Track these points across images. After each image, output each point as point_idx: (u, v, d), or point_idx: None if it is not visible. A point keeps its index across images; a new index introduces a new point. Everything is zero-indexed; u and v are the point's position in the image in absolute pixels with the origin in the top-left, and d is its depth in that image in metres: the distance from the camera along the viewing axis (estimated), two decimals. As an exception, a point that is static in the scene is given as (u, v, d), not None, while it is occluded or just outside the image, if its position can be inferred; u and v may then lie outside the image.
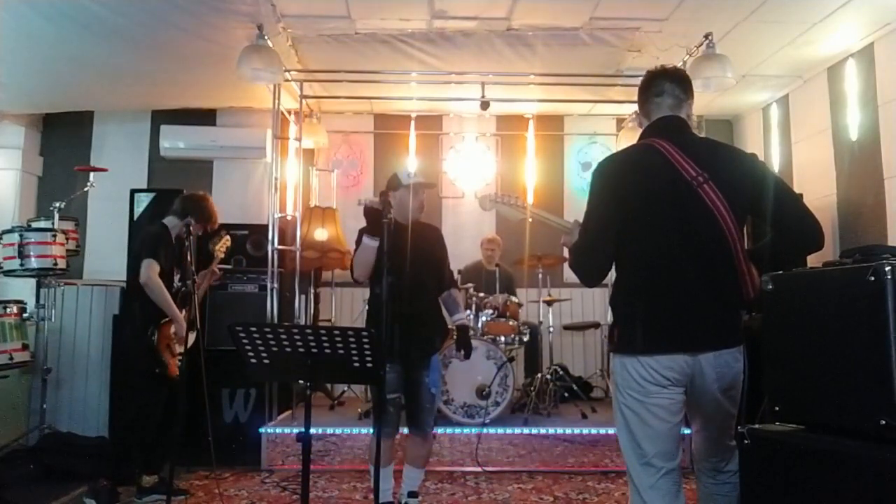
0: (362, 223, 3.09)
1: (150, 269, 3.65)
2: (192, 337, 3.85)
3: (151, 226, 3.96)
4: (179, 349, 3.79)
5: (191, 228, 3.69)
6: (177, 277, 3.90)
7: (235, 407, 4.83)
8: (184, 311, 3.82)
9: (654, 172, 2.05)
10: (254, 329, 2.26)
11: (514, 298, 5.17)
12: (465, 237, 6.23)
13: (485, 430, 4.47)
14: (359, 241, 3.16)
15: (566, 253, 2.29)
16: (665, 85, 2.16)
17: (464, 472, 4.36)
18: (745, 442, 1.88)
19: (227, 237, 4.21)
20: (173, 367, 3.74)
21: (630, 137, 5.76)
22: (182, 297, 3.88)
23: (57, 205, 4.65)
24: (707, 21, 4.54)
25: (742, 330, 2.07)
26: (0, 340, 4.12)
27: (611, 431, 4.25)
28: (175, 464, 3.63)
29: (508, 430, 4.57)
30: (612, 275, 2.15)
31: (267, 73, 4.57)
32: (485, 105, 5.39)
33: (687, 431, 2.29)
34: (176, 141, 6.14)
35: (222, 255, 4.15)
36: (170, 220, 3.91)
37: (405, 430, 3.40)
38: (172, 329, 3.74)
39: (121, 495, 3.67)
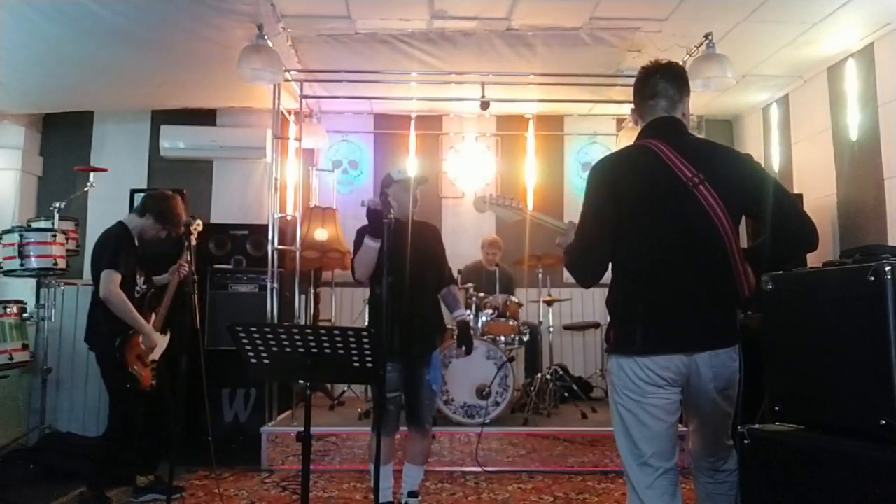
0: (362, 223, 3.09)
1: (111, 282, 3.45)
2: (165, 340, 3.79)
3: (110, 228, 3.71)
4: (153, 357, 3.69)
5: (191, 228, 3.67)
6: (140, 280, 3.72)
7: (235, 407, 4.83)
8: (153, 315, 3.72)
9: (649, 173, 2.06)
10: (254, 329, 2.26)
11: (514, 298, 5.17)
12: (465, 237, 6.23)
13: (485, 430, 4.47)
14: (357, 242, 3.16)
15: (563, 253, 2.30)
16: (659, 85, 2.16)
17: (464, 472, 4.36)
18: (745, 442, 1.88)
19: (198, 221, 3.86)
20: (146, 379, 3.61)
21: (630, 137, 5.74)
22: (150, 300, 3.75)
23: (57, 205, 4.65)
24: (707, 21, 4.55)
25: (738, 329, 2.07)
26: (0, 340, 4.12)
27: (611, 431, 4.25)
28: (175, 464, 3.63)
29: (508, 430, 4.57)
30: (609, 275, 2.15)
31: (267, 73, 4.57)
32: (485, 105, 5.38)
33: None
34: (176, 141, 6.14)
35: (194, 242, 3.82)
36: (130, 219, 3.72)
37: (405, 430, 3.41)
38: (140, 340, 3.60)
39: (111, 500, 3.64)
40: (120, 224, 3.72)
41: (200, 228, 3.91)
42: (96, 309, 3.59)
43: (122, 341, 3.52)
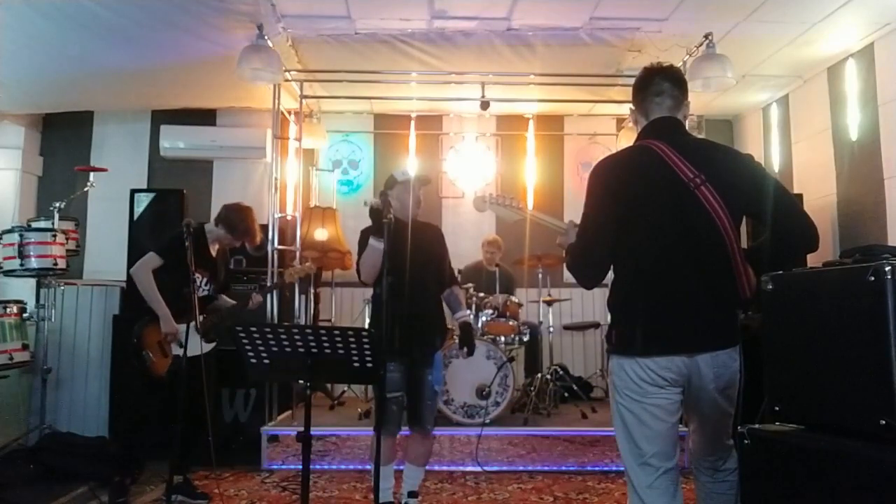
0: (362, 223, 3.09)
1: (145, 262, 3.62)
2: (203, 345, 3.67)
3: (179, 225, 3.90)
4: (176, 350, 3.66)
5: (189, 228, 3.66)
6: (203, 280, 3.80)
7: (235, 407, 4.83)
8: (200, 317, 3.69)
9: (651, 174, 2.05)
10: (254, 329, 2.26)
11: (514, 298, 5.17)
12: (465, 237, 6.23)
13: (485, 430, 4.47)
14: (361, 243, 3.16)
15: (564, 253, 2.30)
16: (664, 84, 2.16)
17: (464, 472, 4.36)
18: (745, 442, 1.88)
19: (310, 265, 4.13)
20: (158, 367, 3.62)
21: (630, 137, 5.74)
22: (202, 301, 3.75)
23: (57, 205, 4.65)
24: (707, 21, 4.55)
25: (739, 330, 2.07)
26: (0, 340, 4.12)
27: (611, 431, 4.26)
28: (175, 464, 3.63)
29: (508, 431, 4.57)
30: (610, 275, 2.15)
31: (267, 73, 4.57)
32: (485, 105, 5.39)
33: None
34: (176, 141, 6.14)
35: (292, 280, 4.05)
36: (209, 225, 3.87)
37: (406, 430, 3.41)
38: (162, 326, 3.64)
39: (130, 489, 3.66)
40: (199, 225, 3.81)
41: (312, 271, 4.18)
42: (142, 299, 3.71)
43: (144, 322, 3.62)
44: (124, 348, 3.71)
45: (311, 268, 4.14)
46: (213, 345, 3.80)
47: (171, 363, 3.67)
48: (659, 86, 2.16)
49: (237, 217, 3.84)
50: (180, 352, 3.67)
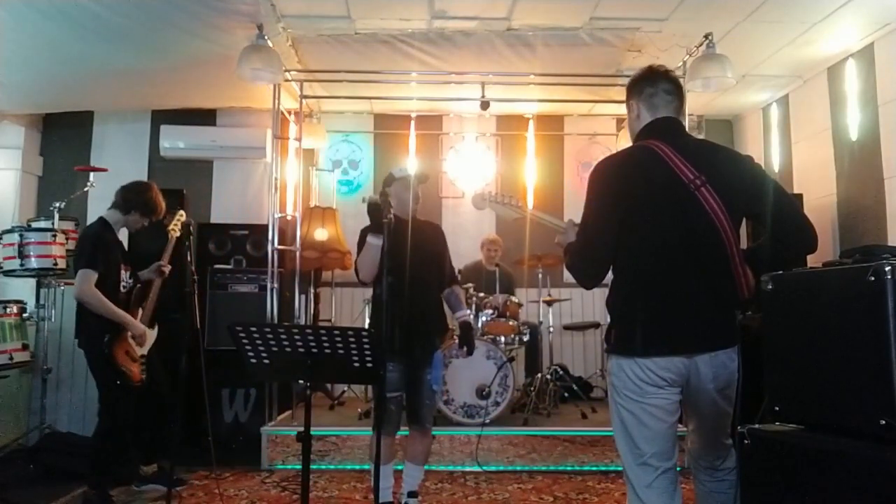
0: (362, 223, 3.09)
1: (85, 282, 3.45)
2: (153, 334, 3.79)
3: (90, 225, 3.74)
4: (141, 351, 3.69)
5: (190, 228, 3.66)
6: (126, 274, 3.71)
7: (235, 407, 4.83)
8: (140, 310, 3.73)
9: (651, 174, 2.06)
10: (254, 329, 2.26)
11: (514, 298, 5.17)
12: (465, 237, 6.22)
13: (485, 431, 4.47)
14: (360, 243, 3.16)
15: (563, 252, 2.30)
16: (671, 86, 2.18)
17: (464, 472, 4.36)
18: (745, 442, 1.88)
19: (182, 211, 3.89)
20: (136, 374, 3.61)
21: (630, 137, 5.75)
22: (136, 296, 3.75)
23: (57, 205, 4.65)
24: (707, 21, 4.55)
25: (737, 330, 2.07)
26: (0, 340, 4.12)
27: (610, 431, 4.25)
28: (175, 463, 3.63)
29: (508, 430, 4.57)
30: (610, 275, 2.15)
31: (267, 73, 4.57)
32: (485, 105, 5.38)
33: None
34: (176, 141, 6.13)
35: (178, 233, 3.84)
36: (110, 215, 3.74)
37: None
38: (129, 334, 3.61)
39: (113, 497, 3.63)
40: (100, 220, 3.73)
41: (184, 219, 3.87)
42: (83, 308, 3.59)
43: (111, 338, 3.53)
44: (92, 368, 3.61)
45: (182, 214, 3.90)
46: (155, 331, 3.83)
47: (141, 366, 3.68)
48: (667, 85, 2.17)
49: (150, 197, 3.76)
50: (144, 351, 3.72)
